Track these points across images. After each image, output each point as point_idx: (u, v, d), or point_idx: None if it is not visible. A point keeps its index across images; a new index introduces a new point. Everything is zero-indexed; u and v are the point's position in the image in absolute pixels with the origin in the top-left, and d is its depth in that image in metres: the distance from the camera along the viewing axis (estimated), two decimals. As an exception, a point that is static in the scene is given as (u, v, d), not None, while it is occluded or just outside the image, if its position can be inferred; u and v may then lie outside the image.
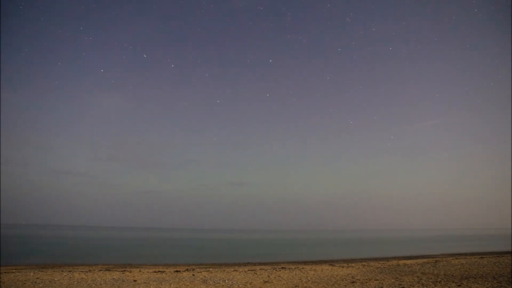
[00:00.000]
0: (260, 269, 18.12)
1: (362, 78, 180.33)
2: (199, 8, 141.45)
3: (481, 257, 23.33)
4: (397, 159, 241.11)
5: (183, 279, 14.39)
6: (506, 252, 30.33)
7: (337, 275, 15.42)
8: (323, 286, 12.82)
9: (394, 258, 28.30)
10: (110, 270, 17.99)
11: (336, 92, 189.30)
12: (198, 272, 16.73)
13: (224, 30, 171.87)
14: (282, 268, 18.75)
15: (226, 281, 13.99)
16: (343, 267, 19.19)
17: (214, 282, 13.79)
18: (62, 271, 17.13)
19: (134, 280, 14.00)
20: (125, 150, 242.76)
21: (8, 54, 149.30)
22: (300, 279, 14.45)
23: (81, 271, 16.84)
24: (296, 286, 12.89)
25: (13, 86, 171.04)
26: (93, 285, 12.96)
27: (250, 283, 13.39)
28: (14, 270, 17.33)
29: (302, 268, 18.64)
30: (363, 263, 21.54)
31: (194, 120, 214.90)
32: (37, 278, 14.38)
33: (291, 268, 18.34)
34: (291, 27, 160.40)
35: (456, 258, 23.40)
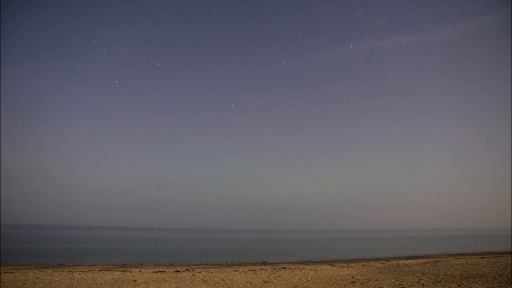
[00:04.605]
0: (260, 269, 18.12)
1: (375, 74, 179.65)
2: (208, 14, 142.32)
3: (481, 257, 23.34)
4: (407, 158, 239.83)
5: (183, 279, 14.40)
6: (506, 252, 30.34)
7: (337, 275, 15.43)
8: (323, 286, 12.82)
9: (394, 258, 28.31)
10: (110, 270, 17.99)
11: (350, 89, 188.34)
12: (198, 272, 16.74)
13: (235, 34, 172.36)
14: (282, 268, 18.75)
15: (226, 281, 13.99)
16: (343, 267, 19.20)
17: (214, 282, 13.79)
18: (62, 271, 17.14)
19: (134, 280, 14.00)
20: (139, 158, 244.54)
21: (25, 70, 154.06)
22: (300, 279, 14.46)
23: (81, 271, 16.85)
24: (296, 286, 12.90)
25: (29, 101, 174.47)
26: (93, 285, 12.96)
27: (250, 283, 13.40)
28: (14, 270, 17.33)
29: (302, 268, 18.64)
30: (363, 263, 21.54)
31: (210, 125, 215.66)
32: (37, 278, 14.38)
33: (291, 268, 18.35)
34: (301, 27, 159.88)
35: (456, 258, 23.40)
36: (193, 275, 15.75)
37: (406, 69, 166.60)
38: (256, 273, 16.26)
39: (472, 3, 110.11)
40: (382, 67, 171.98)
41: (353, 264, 20.83)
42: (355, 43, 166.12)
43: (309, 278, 14.73)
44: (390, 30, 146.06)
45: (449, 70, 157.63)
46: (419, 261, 22.69)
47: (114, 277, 14.96)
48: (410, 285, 12.46)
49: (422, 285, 12.41)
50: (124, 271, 17.43)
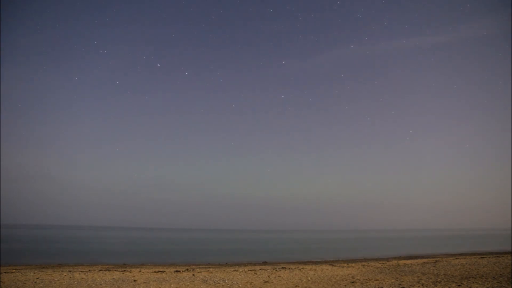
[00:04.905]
0: (260, 269, 18.12)
1: (376, 74, 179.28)
2: (209, 14, 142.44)
3: (481, 257, 23.33)
4: (408, 157, 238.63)
5: (183, 279, 14.40)
6: (506, 252, 30.33)
7: (337, 275, 15.43)
8: (323, 286, 12.82)
9: (394, 258, 28.32)
10: (110, 270, 17.99)
11: (351, 89, 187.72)
12: (198, 272, 16.74)
13: (235, 35, 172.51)
14: (282, 268, 18.75)
15: (226, 281, 13.99)
16: (343, 267, 19.20)
17: (214, 282, 13.79)
18: (62, 271, 17.14)
19: (134, 280, 14.00)
20: (140, 158, 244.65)
21: (25, 71, 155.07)
22: (300, 279, 14.46)
23: (81, 271, 16.85)
24: (296, 286, 12.90)
25: (30, 101, 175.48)
26: (93, 285, 12.96)
27: (250, 283, 13.40)
28: (14, 270, 17.33)
29: (302, 268, 18.64)
30: (363, 263, 21.54)
31: (210, 125, 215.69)
32: (37, 278, 14.38)
33: (291, 268, 18.35)
34: (302, 27, 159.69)
35: (456, 258, 23.40)
36: (193, 275, 15.75)
37: (407, 69, 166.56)
38: (256, 273, 16.26)
39: (472, 4, 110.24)
40: (383, 67, 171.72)
41: (353, 264, 20.83)
42: (356, 43, 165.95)
43: (309, 278, 14.73)
44: (391, 30, 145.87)
45: (450, 70, 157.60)
46: (419, 261, 22.69)
47: (114, 277, 14.96)
48: (410, 285, 12.46)
49: (422, 285, 12.41)
50: (124, 271, 17.43)
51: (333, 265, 20.27)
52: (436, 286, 12.18)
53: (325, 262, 24.76)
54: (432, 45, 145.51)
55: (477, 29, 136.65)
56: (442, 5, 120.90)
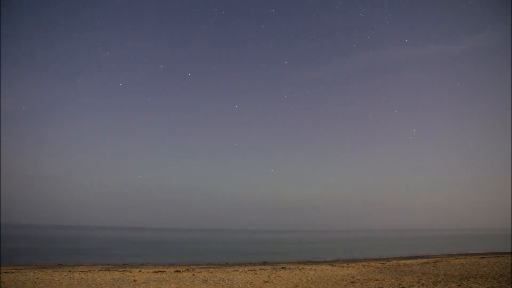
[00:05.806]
0: (260, 269, 18.12)
1: (379, 73, 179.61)
2: (211, 15, 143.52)
3: (481, 257, 23.33)
4: (409, 157, 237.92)
5: (183, 279, 14.40)
6: (506, 252, 30.34)
7: (337, 275, 15.42)
8: (323, 286, 12.82)
9: (394, 258, 28.30)
10: (110, 270, 17.99)
11: (354, 88, 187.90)
12: (198, 272, 16.74)
13: (237, 36, 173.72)
14: (282, 268, 18.75)
15: (226, 281, 13.99)
16: (343, 267, 19.20)
17: (214, 282, 13.79)
18: (62, 271, 17.13)
19: (134, 280, 14.00)
20: (141, 159, 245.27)
21: (30, 74, 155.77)
22: (300, 279, 14.45)
23: (81, 271, 16.84)
24: (296, 286, 12.89)
25: (34, 104, 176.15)
26: (93, 285, 12.96)
27: (250, 283, 13.39)
28: (14, 270, 17.33)
29: (302, 268, 18.64)
30: (363, 263, 21.54)
31: (213, 126, 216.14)
32: (37, 278, 14.38)
33: (291, 268, 18.34)
34: (304, 27, 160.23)
35: (456, 258, 23.40)
36: (193, 275, 15.75)
37: (409, 68, 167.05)
38: (256, 273, 16.26)
39: (476, 16, 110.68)
40: (385, 66, 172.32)
41: (353, 264, 20.82)
42: (358, 43, 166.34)
43: (309, 278, 14.73)
44: (393, 29, 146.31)
45: (452, 71, 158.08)
46: (419, 261, 22.69)
47: (114, 277, 14.96)
48: (410, 285, 12.45)
49: (422, 285, 12.41)
50: (124, 271, 17.43)
51: (333, 265, 20.27)
52: (436, 286, 12.18)
53: (325, 262, 24.76)
54: (435, 46, 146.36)
55: (479, 37, 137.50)
56: (443, 8, 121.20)
